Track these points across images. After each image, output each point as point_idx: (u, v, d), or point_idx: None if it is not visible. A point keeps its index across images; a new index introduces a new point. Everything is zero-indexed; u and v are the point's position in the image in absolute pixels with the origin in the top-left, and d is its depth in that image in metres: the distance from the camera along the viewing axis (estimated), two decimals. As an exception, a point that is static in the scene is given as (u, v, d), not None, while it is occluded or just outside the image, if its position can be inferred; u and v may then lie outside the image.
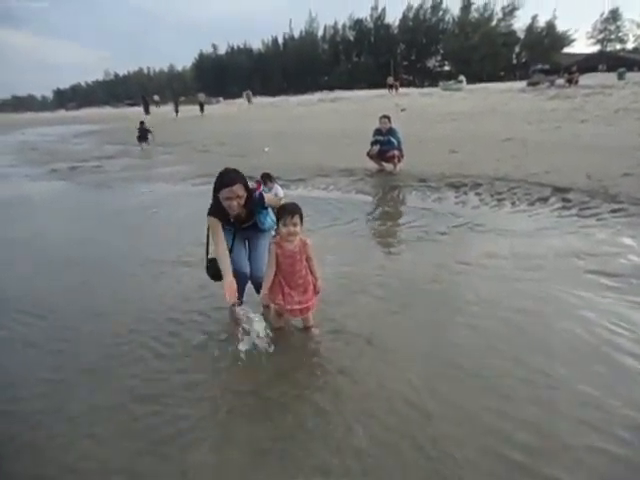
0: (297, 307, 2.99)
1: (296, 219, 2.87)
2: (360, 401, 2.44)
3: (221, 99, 59.44)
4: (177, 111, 31.61)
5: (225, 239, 3.16)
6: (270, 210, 3.31)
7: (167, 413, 2.44)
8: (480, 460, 2.00)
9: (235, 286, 3.02)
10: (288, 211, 2.88)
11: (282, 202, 3.37)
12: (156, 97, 42.63)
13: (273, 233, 3.38)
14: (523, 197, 6.22)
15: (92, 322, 3.53)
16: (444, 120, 15.04)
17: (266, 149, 12.09)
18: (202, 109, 30.31)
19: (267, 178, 6.07)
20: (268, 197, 3.32)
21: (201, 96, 33.07)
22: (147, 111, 32.70)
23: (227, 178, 2.95)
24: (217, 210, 3.09)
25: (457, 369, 2.66)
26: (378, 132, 8.41)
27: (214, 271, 3.21)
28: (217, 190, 2.99)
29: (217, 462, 2.09)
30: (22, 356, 3.13)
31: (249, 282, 3.43)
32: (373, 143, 8.47)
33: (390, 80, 36.02)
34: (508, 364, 2.68)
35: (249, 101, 40.44)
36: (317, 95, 46.15)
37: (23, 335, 3.40)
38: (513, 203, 6.07)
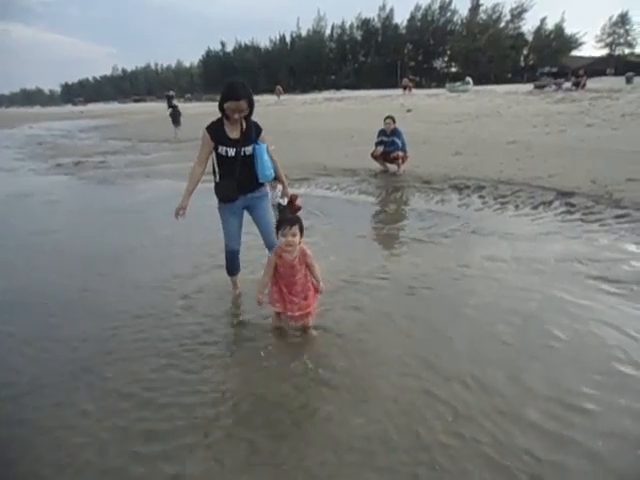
0: (298, 313, 3.01)
1: (295, 229, 2.85)
2: (357, 401, 2.44)
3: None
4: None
5: (228, 219, 3.43)
6: (267, 153, 3.35)
7: (162, 414, 2.45)
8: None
9: (184, 211, 3.26)
10: (287, 221, 2.87)
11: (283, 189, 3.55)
12: (171, 92, 43.60)
13: (271, 194, 3.51)
14: (527, 200, 6.20)
15: (83, 319, 3.55)
16: (449, 121, 14.99)
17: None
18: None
19: None
20: (268, 142, 3.42)
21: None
22: (170, 105, 33.51)
23: (234, 92, 3.04)
24: (215, 124, 3.22)
25: (458, 382, 2.65)
26: (382, 133, 8.38)
27: (220, 193, 3.35)
28: (223, 100, 3.08)
29: (210, 465, 2.09)
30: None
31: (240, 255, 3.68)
32: (377, 144, 8.45)
33: (405, 81, 37.75)
34: (501, 372, 2.67)
35: (279, 96, 41.15)
36: (324, 94, 46.15)
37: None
38: (516, 206, 6.04)
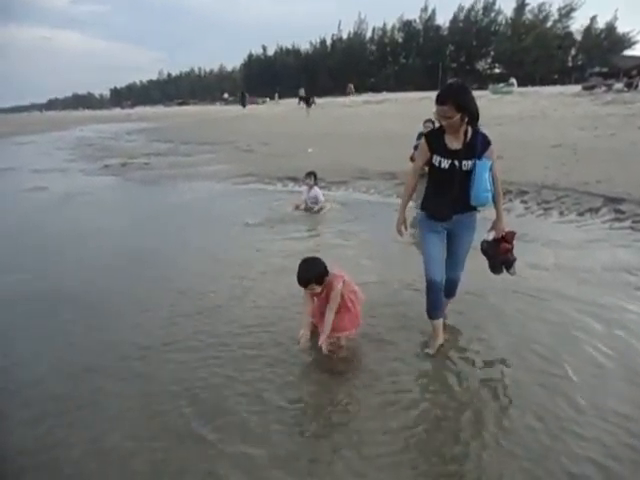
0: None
1: (311, 287, 2.85)
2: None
3: (267, 99, 60.22)
4: (313, 102, 31.15)
5: (430, 239, 2.95)
6: (490, 172, 2.72)
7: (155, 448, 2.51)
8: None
9: (403, 228, 3.04)
10: (301, 282, 2.84)
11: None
12: (226, 95, 45.36)
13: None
14: (572, 207, 5.97)
15: (128, 318, 3.69)
16: (490, 124, 14.53)
17: (310, 150, 12.17)
18: (308, 103, 29.36)
19: (310, 176, 6.29)
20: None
21: (301, 91, 34.25)
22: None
23: (439, 95, 2.68)
24: (435, 132, 2.84)
25: (503, 396, 2.60)
26: (421, 136, 8.28)
27: (430, 209, 2.96)
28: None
29: None
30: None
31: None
32: (416, 147, 8.34)
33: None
34: (536, 387, 2.59)
35: (350, 94, 40.98)
36: (363, 96, 45.94)
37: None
38: (561, 213, 5.84)
